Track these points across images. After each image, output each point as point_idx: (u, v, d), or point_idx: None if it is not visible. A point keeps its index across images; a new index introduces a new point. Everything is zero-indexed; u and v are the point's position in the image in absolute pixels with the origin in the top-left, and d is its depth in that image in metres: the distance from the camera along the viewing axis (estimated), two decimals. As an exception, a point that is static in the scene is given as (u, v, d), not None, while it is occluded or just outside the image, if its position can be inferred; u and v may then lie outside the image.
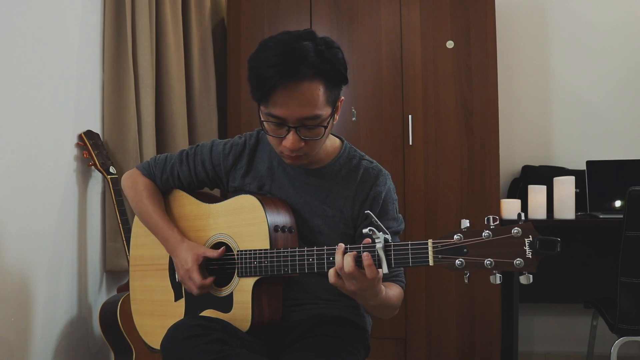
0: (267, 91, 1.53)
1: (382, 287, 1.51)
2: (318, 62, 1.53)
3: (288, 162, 1.70)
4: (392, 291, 1.63)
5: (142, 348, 2.53)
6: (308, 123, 1.57)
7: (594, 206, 3.32)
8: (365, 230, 1.41)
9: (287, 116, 1.56)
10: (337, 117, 1.69)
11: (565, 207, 3.16)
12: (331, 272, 1.47)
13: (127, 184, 1.94)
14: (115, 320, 2.54)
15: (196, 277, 1.69)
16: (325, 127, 1.61)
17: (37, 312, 2.44)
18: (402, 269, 1.71)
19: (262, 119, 1.62)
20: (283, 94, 1.53)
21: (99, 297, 2.83)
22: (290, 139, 1.59)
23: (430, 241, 1.37)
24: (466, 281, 1.34)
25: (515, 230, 1.28)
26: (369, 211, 1.46)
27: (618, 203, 3.32)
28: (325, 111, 1.59)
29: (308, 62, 1.52)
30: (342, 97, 1.68)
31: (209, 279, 1.70)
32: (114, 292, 2.90)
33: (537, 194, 3.20)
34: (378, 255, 1.42)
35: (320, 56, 1.54)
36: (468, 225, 1.34)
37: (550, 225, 3.15)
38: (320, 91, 1.55)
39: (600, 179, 3.36)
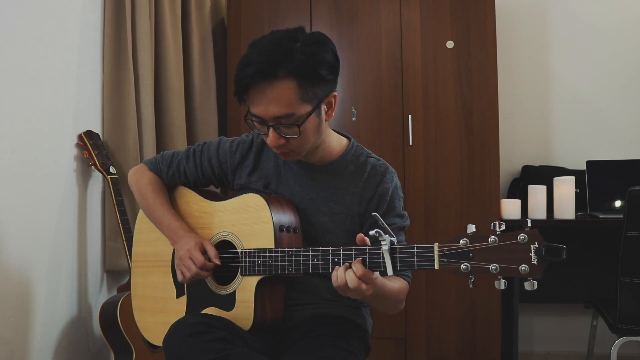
0: (241, 91, 1.59)
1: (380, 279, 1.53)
2: (290, 61, 1.54)
3: (281, 157, 1.73)
4: (393, 283, 1.63)
5: (142, 348, 2.53)
6: (283, 121, 1.59)
7: (594, 206, 3.33)
8: (372, 232, 1.41)
9: (262, 115, 1.59)
10: (332, 113, 1.69)
11: (565, 207, 3.16)
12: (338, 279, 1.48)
13: (133, 179, 1.95)
14: (115, 320, 2.54)
15: (198, 256, 1.68)
16: (300, 126, 1.60)
17: (37, 312, 2.44)
18: None
19: (247, 118, 1.64)
20: (256, 94, 1.57)
21: (99, 297, 2.83)
22: (270, 137, 1.62)
23: (436, 245, 1.38)
24: (471, 286, 1.34)
25: (522, 236, 1.29)
26: (375, 213, 1.46)
27: (618, 203, 3.32)
28: (301, 110, 1.58)
29: (279, 61, 1.54)
30: (334, 93, 1.67)
31: (212, 263, 1.69)
32: (114, 292, 2.89)
33: (537, 194, 3.20)
34: (383, 258, 1.42)
35: (293, 55, 1.55)
36: (474, 230, 1.34)
37: (550, 225, 3.16)
38: (292, 90, 1.56)
39: (600, 179, 3.36)
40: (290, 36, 1.58)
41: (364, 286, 1.44)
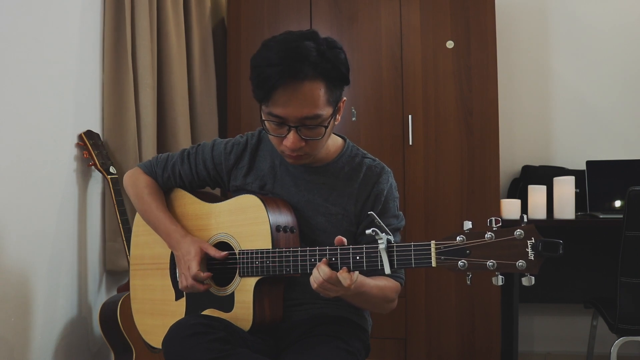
0: (268, 90, 1.54)
1: (364, 280, 1.54)
2: (319, 62, 1.54)
3: (290, 161, 1.70)
4: (376, 281, 1.63)
5: (142, 348, 2.53)
6: (308, 123, 1.58)
7: (594, 206, 3.32)
8: (368, 231, 1.42)
9: (288, 115, 1.57)
10: (339, 117, 1.69)
11: (565, 207, 3.16)
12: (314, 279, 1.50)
13: (129, 182, 1.95)
14: (115, 320, 2.54)
15: (194, 266, 1.68)
16: (326, 127, 1.61)
17: (37, 312, 2.44)
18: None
19: (263, 118, 1.62)
20: (284, 94, 1.54)
21: (99, 297, 2.83)
22: (290, 139, 1.59)
23: (433, 242, 1.38)
24: (468, 282, 1.34)
25: (518, 232, 1.29)
26: (372, 212, 1.46)
27: (618, 203, 3.32)
28: (326, 111, 1.59)
29: (309, 62, 1.53)
30: (345, 98, 1.68)
31: (206, 273, 1.69)
32: (114, 292, 2.89)
33: (537, 194, 3.20)
34: (380, 256, 1.42)
35: (322, 56, 1.55)
36: (470, 226, 1.34)
37: (550, 225, 3.15)
38: (321, 91, 1.56)
39: (600, 179, 3.36)
40: (309, 37, 1.57)
41: (328, 285, 1.46)
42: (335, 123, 1.69)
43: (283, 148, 1.64)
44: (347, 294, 1.52)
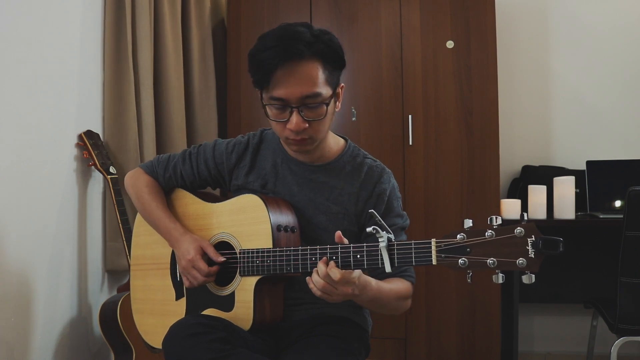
0: (267, 73, 1.57)
1: (373, 282, 1.53)
2: (314, 42, 1.58)
3: (294, 148, 1.71)
4: (392, 285, 1.64)
5: (142, 348, 2.53)
6: (309, 102, 1.60)
7: (594, 206, 3.32)
8: (369, 230, 1.42)
9: (289, 96, 1.59)
10: (339, 104, 1.72)
11: (565, 207, 3.16)
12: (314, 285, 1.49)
13: (129, 182, 1.96)
14: (115, 320, 2.54)
15: (202, 265, 1.69)
16: (327, 105, 1.62)
17: (37, 312, 2.44)
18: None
19: (265, 103, 1.64)
20: (282, 74, 1.57)
21: (99, 297, 2.83)
22: (293, 121, 1.61)
23: (433, 240, 1.38)
24: (469, 280, 1.34)
25: (518, 230, 1.29)
26: (372, 210, 1.46)
27: (618, 203, 3.32)
28: (326, 91, 1.62)
29: (304, 42, 1.57)
30: (343, 84, 1.71)
31: (215, 267, 1.70)
32: (114, 292, 2.89)
33: (537, 194, 3.20)
34: (381, 254, 1.42)
35: (316, 37, 1.59)
36: (471, 224, 1.34)
37: (550, 226, 3.15)
38: (319, 70, 1.59)
39: (600, 179, 3.36)
40: (302, 25, 1.62)
41: (328, 287, 1.45)
42: (336, 110, 1.71)
43: (287, 133, 1.65)
44: (357, 299, 1.52)
